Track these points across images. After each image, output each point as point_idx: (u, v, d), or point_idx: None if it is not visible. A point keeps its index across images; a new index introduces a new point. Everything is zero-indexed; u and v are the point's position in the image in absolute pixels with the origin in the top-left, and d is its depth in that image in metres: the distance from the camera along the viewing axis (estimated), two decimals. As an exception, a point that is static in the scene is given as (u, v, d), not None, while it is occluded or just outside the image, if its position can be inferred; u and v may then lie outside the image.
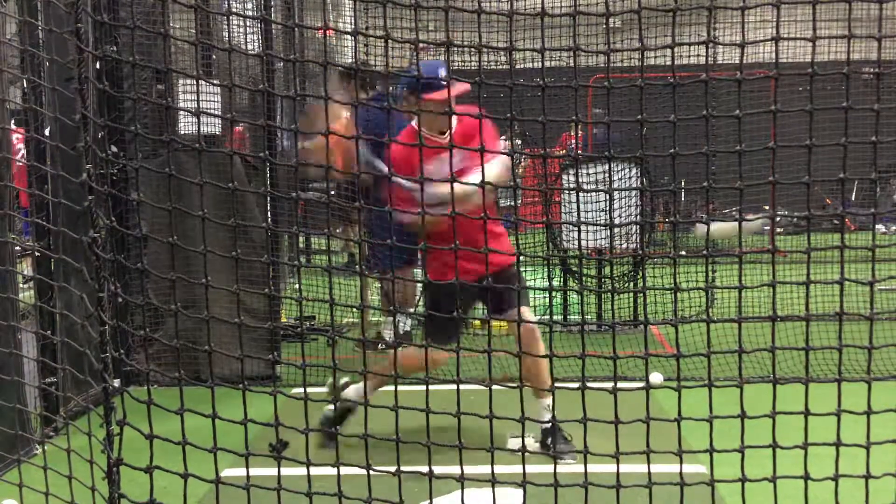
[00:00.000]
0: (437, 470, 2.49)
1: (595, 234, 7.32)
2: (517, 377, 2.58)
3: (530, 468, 2.57)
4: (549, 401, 4.37)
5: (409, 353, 4.56)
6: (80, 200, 2.56)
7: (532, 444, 4.30)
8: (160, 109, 5.72)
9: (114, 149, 5.54)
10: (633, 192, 7.16)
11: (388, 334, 6.93)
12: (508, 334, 6.64)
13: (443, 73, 4.16)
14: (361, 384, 4.60)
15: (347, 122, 6.43)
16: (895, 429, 2.53)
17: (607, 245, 7.34)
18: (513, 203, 11.65)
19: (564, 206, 7.61)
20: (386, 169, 4.21)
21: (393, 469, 2.51)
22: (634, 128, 7.02)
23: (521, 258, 2.64)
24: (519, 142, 8.40)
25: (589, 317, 7.63)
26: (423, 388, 2.55)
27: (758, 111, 2.54)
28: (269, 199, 6.23)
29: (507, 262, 4.19)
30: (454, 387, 2.53)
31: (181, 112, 5.63)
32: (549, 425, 4.40)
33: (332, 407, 4.48)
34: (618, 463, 2.46)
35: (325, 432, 4.22)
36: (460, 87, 4.12)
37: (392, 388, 2.51)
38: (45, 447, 4.09)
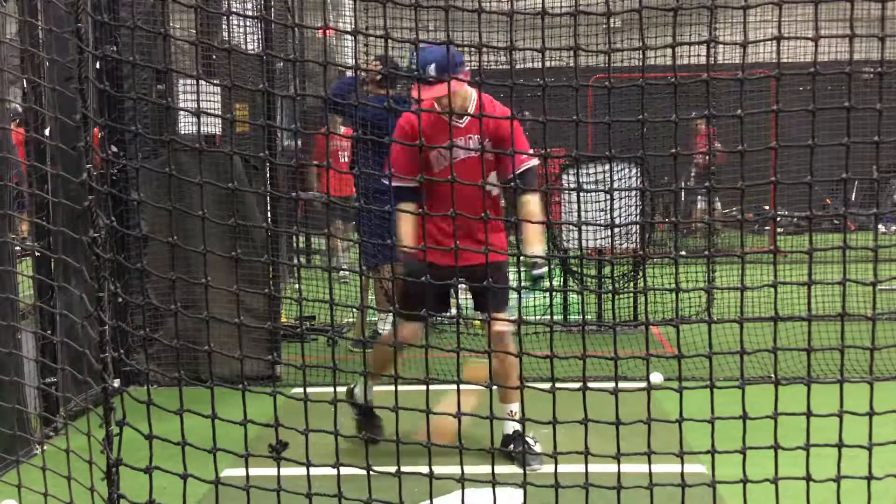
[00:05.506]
0: (437, 470, 2.49)
1: (595, 234, 7.31)
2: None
3: (531, 468, 2.57)
4: (514, 406, 4.32)
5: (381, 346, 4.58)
6: (80, 200, 2.55)
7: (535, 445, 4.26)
8: (160, 109, 5.72)
9: (114, 149, 5.53)
10: (634, 192, 7.15)
11: (385, 332, 6.91)
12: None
13: (431, 70, 4.05)
14: (362, 384, 4.60)
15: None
16: (897, 429, 2.53)
17: (607, 245, 7.34)
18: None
19: (564, 206, 7.61)
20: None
21: (393, 469, 2.51)
22: (634, 127, 7.06)
23: (521, 258, 2.62)
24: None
25: (589, 317, 7.63)
26: (423, 388, 2.54)
27: (759, 111, 2.54)
28: (268, 198, 6.23)
29: (494, 259, 4.09)
30: (454, 387, 2.52)
31: (181, 112, 5.63)
32: (510, 431, 4.35)
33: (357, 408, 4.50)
34: (619, 464, 2.45)
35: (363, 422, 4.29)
36: (454, 85, 4.00)
37: (391, 388, 2.51)
38: (45, 447, 4.09)
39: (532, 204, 4.18)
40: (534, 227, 4.10)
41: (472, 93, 4.26)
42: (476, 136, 4.15)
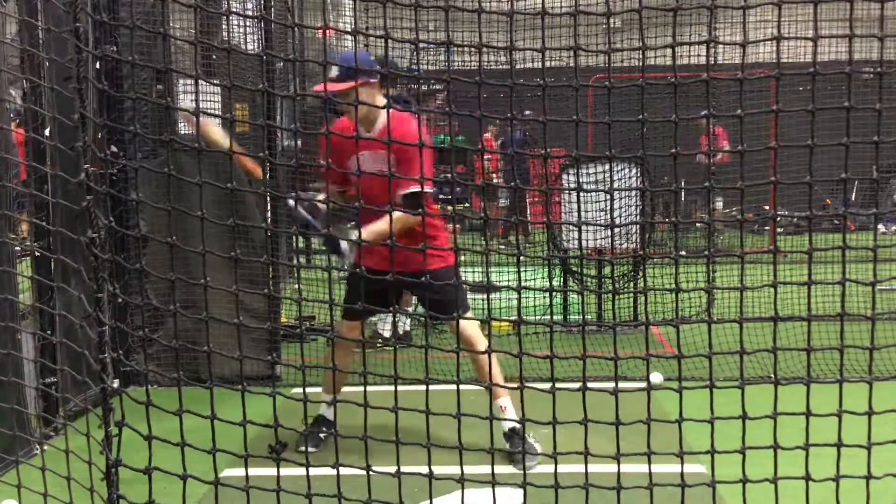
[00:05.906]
0: (437, 470, 2.49)
1: (595, 234, 7.32)
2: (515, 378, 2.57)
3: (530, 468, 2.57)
4: (503, 401, 4.32)
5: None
6: (80, 200, 2.55)
7: (534, 443, 4.27)
8: (160, 109, 5.72)
9: (113, 149, 5.53)
10: (634, 192, 7.16)
11: (385, 332, 6.93)
12: (508, 334, 6.65)
13: (334, 70, 4.04)
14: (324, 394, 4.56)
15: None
16: (896, 429, 2.52)
17: (607, 245, 7.34)
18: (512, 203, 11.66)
19: (564, 206, 7.62)
20: (309, 218, 4.27)
21: (393, 469, 2.50)
22: (634, 127, 7.06)
23: (522, 258, 2.62)
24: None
25: (589, 317, 7.63)
26: (423, 388, 2.54)
27: (759, 111, 2.54)
28: (268, 198, 6.23)
29: (430, 265, 3.98)
30: (454, 387, 2.52)
31: (181, 112, 5.62)
32: (506, 429, 4.33)
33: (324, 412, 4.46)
34: (619, 464, 2.45)
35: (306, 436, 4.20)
36: (335, 86, 4.02)
37: (391, 388, 2.51)
38: (45, 447, 4.09)
39: (395, 217, 3.89)
40: (368, 228, 3.96)
41: (381, 110, 4.20)
42: (382, 152, 4.05)
